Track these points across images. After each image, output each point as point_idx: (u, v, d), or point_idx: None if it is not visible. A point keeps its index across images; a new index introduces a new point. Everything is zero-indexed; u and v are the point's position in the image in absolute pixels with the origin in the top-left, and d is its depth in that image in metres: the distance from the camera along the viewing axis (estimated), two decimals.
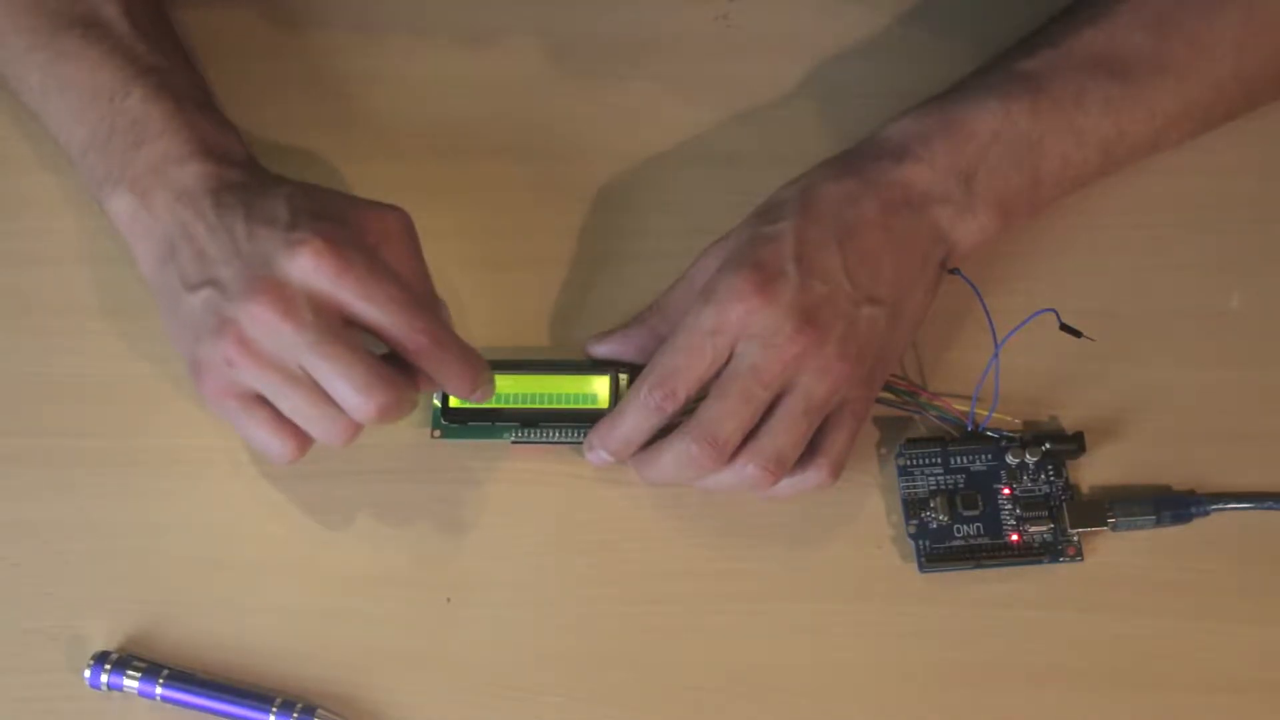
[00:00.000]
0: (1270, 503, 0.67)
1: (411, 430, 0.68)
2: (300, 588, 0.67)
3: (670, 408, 0.63)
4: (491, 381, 0.64)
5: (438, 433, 0.68)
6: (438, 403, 0.68)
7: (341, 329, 0.60)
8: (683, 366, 0.63)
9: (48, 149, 0.72)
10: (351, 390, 0.60)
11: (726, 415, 0.62)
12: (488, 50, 0.76)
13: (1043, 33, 0.70)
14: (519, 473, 0.68)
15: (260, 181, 0.65)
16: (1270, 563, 0.66)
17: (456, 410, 0.67)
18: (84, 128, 0.66)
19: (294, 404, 0.61)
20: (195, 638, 0.66)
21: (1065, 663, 0.65)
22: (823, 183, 0.66)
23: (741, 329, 0.62)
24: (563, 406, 0.67)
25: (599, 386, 0.67)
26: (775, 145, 0.74)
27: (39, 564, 0.67)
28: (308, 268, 0.59)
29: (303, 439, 0.62)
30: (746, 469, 0.63)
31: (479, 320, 0.70)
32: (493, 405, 0.67)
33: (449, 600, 0.66)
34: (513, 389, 0.67)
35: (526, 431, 0.68)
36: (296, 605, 0.66)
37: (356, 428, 0.61)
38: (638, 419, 0.64)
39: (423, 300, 0.62)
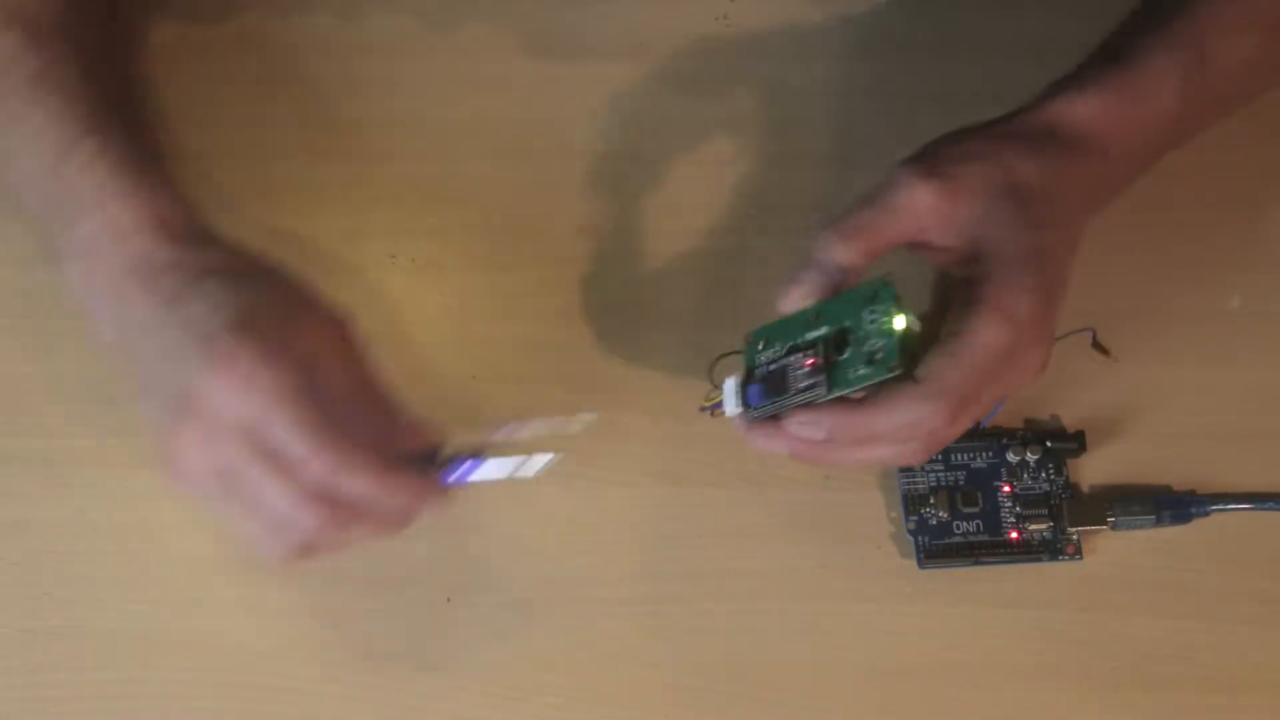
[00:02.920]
0: (1270, 503, 0.67)
1: None
2: (300, 588, 0.66)
3: (958, 432, 0.60)
4: (437, 503, 0.59)
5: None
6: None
7: (264, 448, 0.57)
8: (981, 395, 0.59)
9: None
10: (274, 512, 0.57)
11: (983, 395, 0.59)
12: (488, 51, 0.76)
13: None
14: None
15: (193, 264, 0.60)
16: (1270, 563, 0.67)
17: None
18: (36, 198, 0.63)
19: (235, 512, 0.59)
20: (195, 638, 0.66)
21: (1064, 662, 0.65)
22: (1065, 181, 0.62)
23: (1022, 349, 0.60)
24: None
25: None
26: (775, 145, 0.74)
27: (39, 564, 0.67)
28: (218, 386, 0.57)
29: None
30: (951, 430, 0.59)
31: (481, 319, 0.70)
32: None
33: (449, 600, 0.66)
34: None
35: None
36: (296, 605, 0.66)
37: (299, 549, 0.59)
38: (900, 424, 0.59)
39: (324, 424, 0.57)
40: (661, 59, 0.76)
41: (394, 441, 0.59)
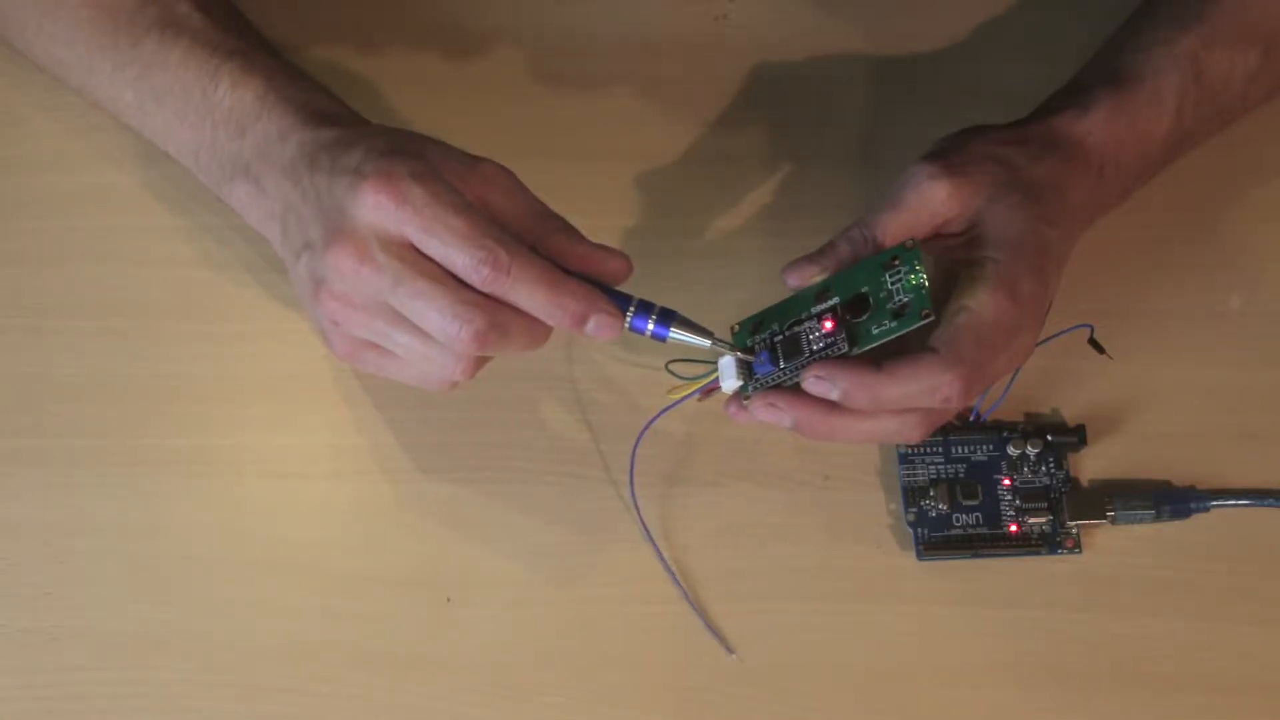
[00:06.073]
0: (1270, 500, 0.67)
1: (413, 429, 0.69)
2: (300, 588, 0.67)
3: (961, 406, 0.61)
4: (609, 314, 0.59)
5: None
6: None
7: (420, 263, 0.58)
8: (988, 368, 0.60)
9: (47, 148, 0.73)
10: (441, 322, 0.58)
11: (989, 368, 0.61)
12: (487, 50, 0.76)
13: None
14: (519, 473, 0.68)
15: (352, 134, 0.63)
16: (1269, 561, 0.66)
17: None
18: (187, 131, 0.66)
19: (403, 344, 0.60)
20: (195, 638, 0.66)
21: (1064, 662, 0.65)
22: (1067, 190, 0.64)
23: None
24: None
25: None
26: (775, 145, 0.74)
27: (39, 564, 0.67)
28: (368, 205, 0.58)
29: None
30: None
31: None
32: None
33: (449, 600, 0.66)
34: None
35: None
36: (296, 605, 0.66)
37: (470, 359, 0.60)
38: (915, 390, 0.59)
39: (491, 231, 0.58)
40: (662, 59, 0.76)
41: (576, 261, 0.60)
